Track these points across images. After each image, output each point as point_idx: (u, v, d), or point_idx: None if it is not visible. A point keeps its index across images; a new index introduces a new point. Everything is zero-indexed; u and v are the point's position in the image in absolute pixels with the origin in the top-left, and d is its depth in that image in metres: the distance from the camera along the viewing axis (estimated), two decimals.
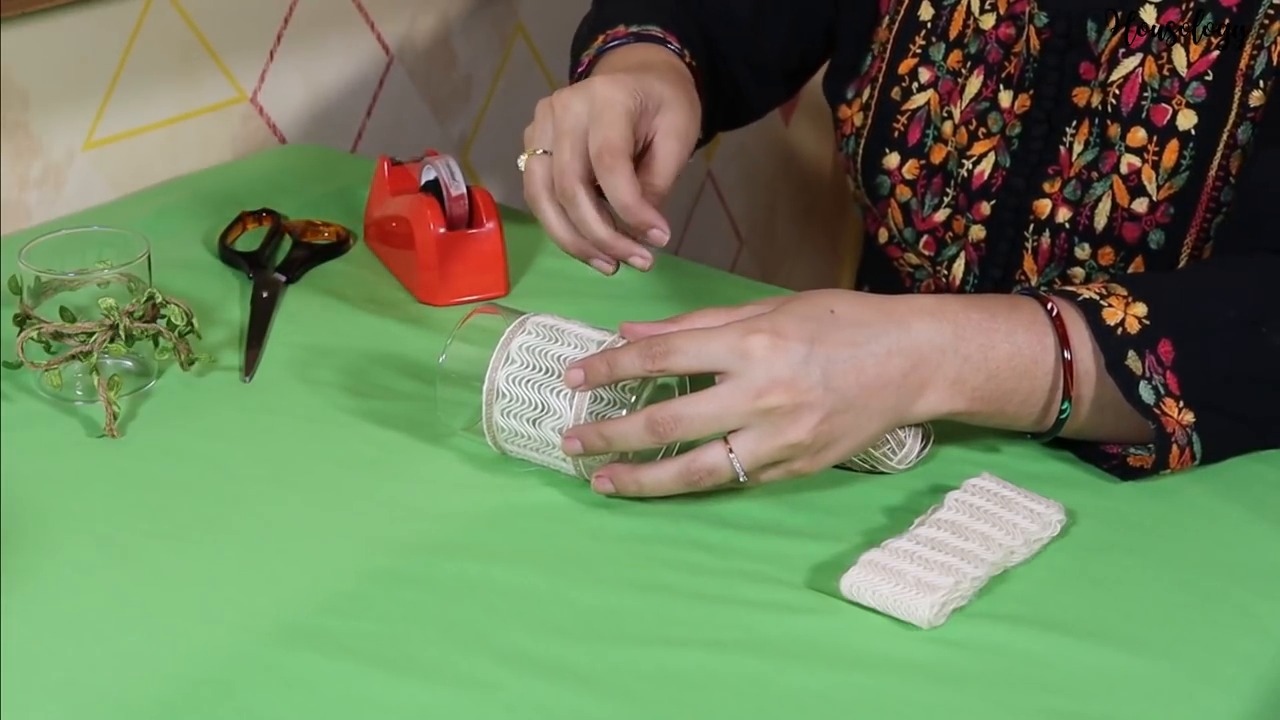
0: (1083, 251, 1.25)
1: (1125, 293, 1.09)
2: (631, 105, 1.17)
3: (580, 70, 1.35)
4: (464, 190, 1.32)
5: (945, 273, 1.33)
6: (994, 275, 1.30)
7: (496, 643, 0.96)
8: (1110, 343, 1.07)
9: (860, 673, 0.95)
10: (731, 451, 1.03)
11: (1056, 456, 1.14)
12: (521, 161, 1.19)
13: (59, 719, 0.90)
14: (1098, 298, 1.08)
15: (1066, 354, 1.08)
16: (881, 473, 1.11)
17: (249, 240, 1.41)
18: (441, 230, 1.31)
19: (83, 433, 1.15)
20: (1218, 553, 1.05)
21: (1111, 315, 1.08)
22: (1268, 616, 1.00)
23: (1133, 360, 1.07)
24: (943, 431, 1.15)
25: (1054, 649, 0.96)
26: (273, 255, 1.38)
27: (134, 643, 0.96)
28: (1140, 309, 1.08)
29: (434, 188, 1.32)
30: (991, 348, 1.07)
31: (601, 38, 1.35)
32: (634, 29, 1.34)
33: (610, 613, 0.99)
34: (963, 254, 1.31)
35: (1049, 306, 1.09)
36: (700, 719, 0.92)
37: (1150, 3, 1.22)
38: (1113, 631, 0.98)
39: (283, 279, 1.34)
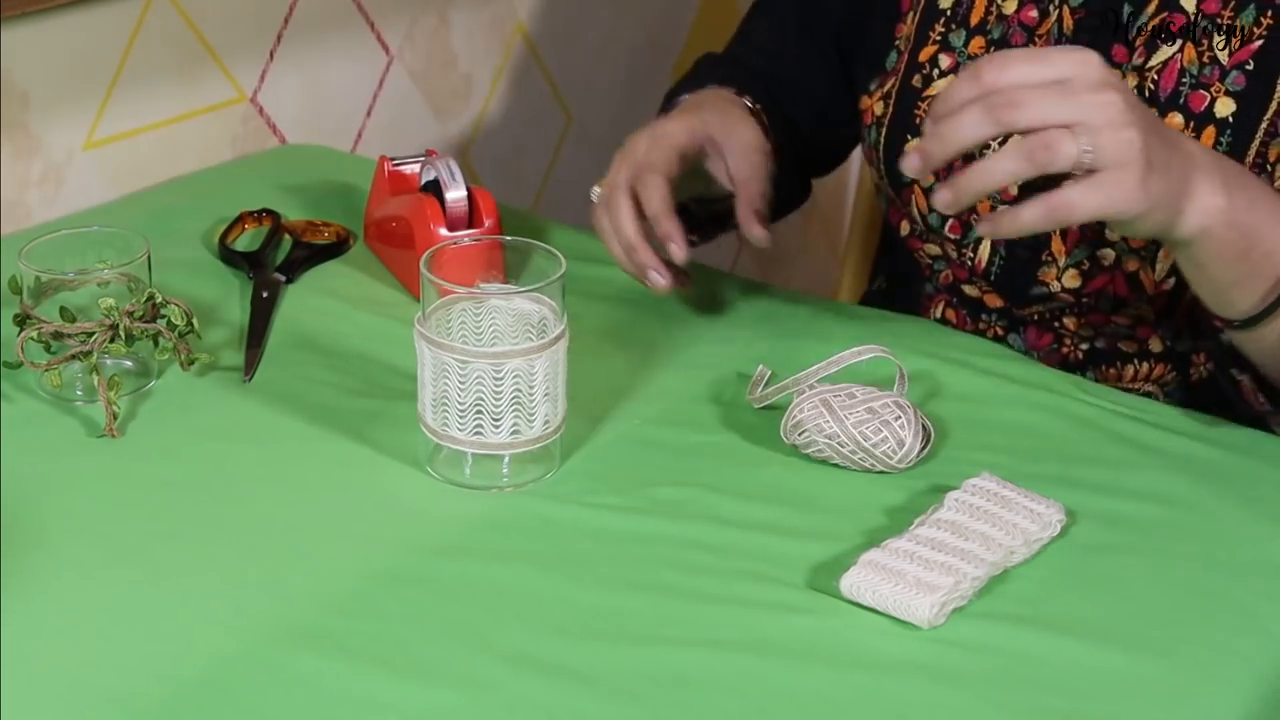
0: (1113, 234, 1.25)
1: None
2: (684, 139, 1.26)
3: None
4: (464, 190, 1.32)
5: (971, 256, 1.32)
6: (1021, 255, 1.30)
7: (496, 643, 0.96)
8: None
9: (860, 673, 0.95)
10: (1079, 141, 1.02)
11: (1056, 457, 1.14)
12: (594, 193, 1.27)
13: (59, 719, 0.91)
14: None
15: None
16: (882, 472, 1.11)
17: (249, 240, 1.41)
18: (441, 230, 1.31)
19: (83, 433, 1.15)
20: (1218, 553, 1.05)
21: None
22: (1268, 616, 1.00)
23: None
24: (942, 431, 1.15)
25: (1054, 649, 0.97)
26: (273, 255, 1.38)
27: (134, 643, 0.96)
28: None
29: (434, 188, 1.32)
30: (1264, 197, 1.10)
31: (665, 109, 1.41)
32: (690, 95, 1.40)
33: (610, 613, 0.99)
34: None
35: None
36: (700, 719, 0.92)
37: None
38: (1113, 631, 0.98)
39: (283, 279, 1.34)
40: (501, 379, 1.06)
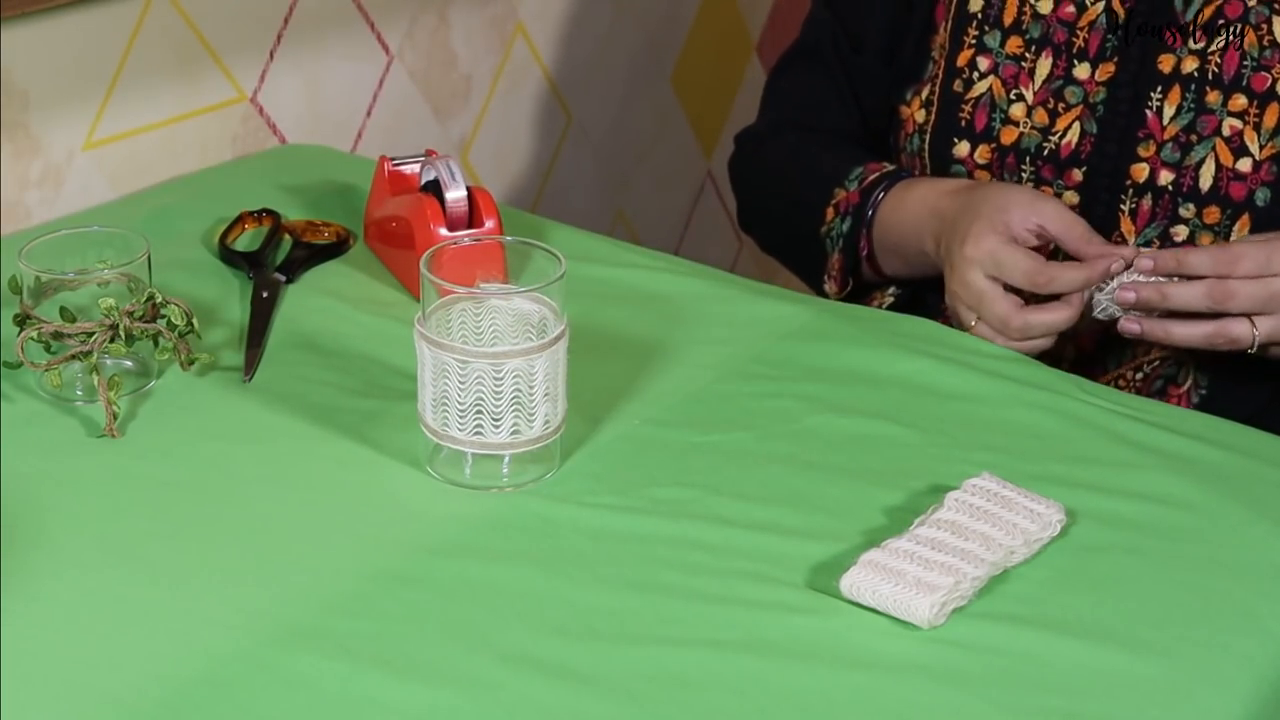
0: (1187, 211, 1.31)
1: None
2: (1003, 241, 1.27)
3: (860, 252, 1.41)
4: (464, 190, 1.32)
5: None
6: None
7: (496, 643, 0.96)
8: None
9: (860, 673, 0.95)
10: (1255, 328, 1.23)
11: (1056, 457, 1.14)
12: (982, 330, 1.30)
13: (59, 719, 0.91)
14: None
15: None
16: (882, 471, 1.11)
17: (249, 240, 1.41)
18: (442, 230, 1.31)
19: (83, 433, 1.15)
20: (1218, 553, 1.05)
21: None
22: (1268, 616, 1.00)
23: None
24: (942, 431, 1.15)
25: (1054, 649, 0.97)
26: (273, 255, 1.38)
27: (134, 643, 0.96)
28: None
29: (434, 188, 1.32)
30: None
31: (840, 217, 1.41)
32: (850, 188, 1.41)
33: (610, 613, 0.99)
34: None
35: None
36: (700, 719, 0.92)
37: None
38: (1113, 631, 0.98)
39: (283, 279, 1.34)
40: (501, 379, 1.06)
